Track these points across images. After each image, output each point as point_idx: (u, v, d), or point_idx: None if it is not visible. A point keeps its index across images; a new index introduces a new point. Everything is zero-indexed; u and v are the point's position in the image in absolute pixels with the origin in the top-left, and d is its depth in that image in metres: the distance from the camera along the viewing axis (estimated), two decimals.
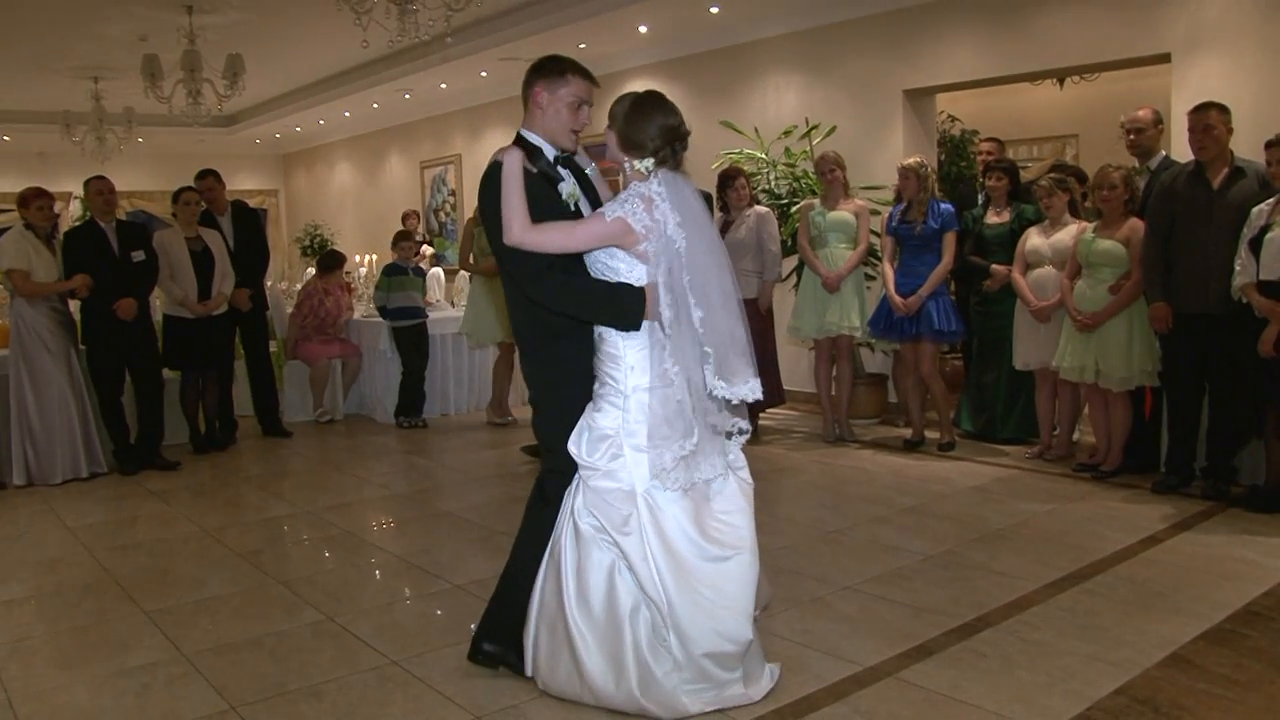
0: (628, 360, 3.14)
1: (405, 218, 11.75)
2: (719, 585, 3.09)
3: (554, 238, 3.09)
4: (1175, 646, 3.56)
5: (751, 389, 3.07)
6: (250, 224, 8.01)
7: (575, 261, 3.19)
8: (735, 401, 3.09)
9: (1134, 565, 4.45)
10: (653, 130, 3.08)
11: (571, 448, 3.19)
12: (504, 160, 3.14)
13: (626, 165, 3.17)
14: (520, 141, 3.29)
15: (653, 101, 3.14)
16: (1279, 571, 4.29)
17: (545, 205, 3.15)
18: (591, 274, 3.19)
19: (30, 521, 5.82)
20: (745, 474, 3.30)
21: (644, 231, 3.03)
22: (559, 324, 3.23)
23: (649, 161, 3.09)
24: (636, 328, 3.12)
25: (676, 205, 3.05)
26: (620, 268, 3.13)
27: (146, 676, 3.61)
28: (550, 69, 3.27)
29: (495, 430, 8.15)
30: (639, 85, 9.74)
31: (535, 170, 3.21)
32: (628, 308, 3.11)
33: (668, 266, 3.04)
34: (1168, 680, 3.31)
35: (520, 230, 3.06)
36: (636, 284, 3.11)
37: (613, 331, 3.15)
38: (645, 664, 3.08)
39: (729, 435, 3.23)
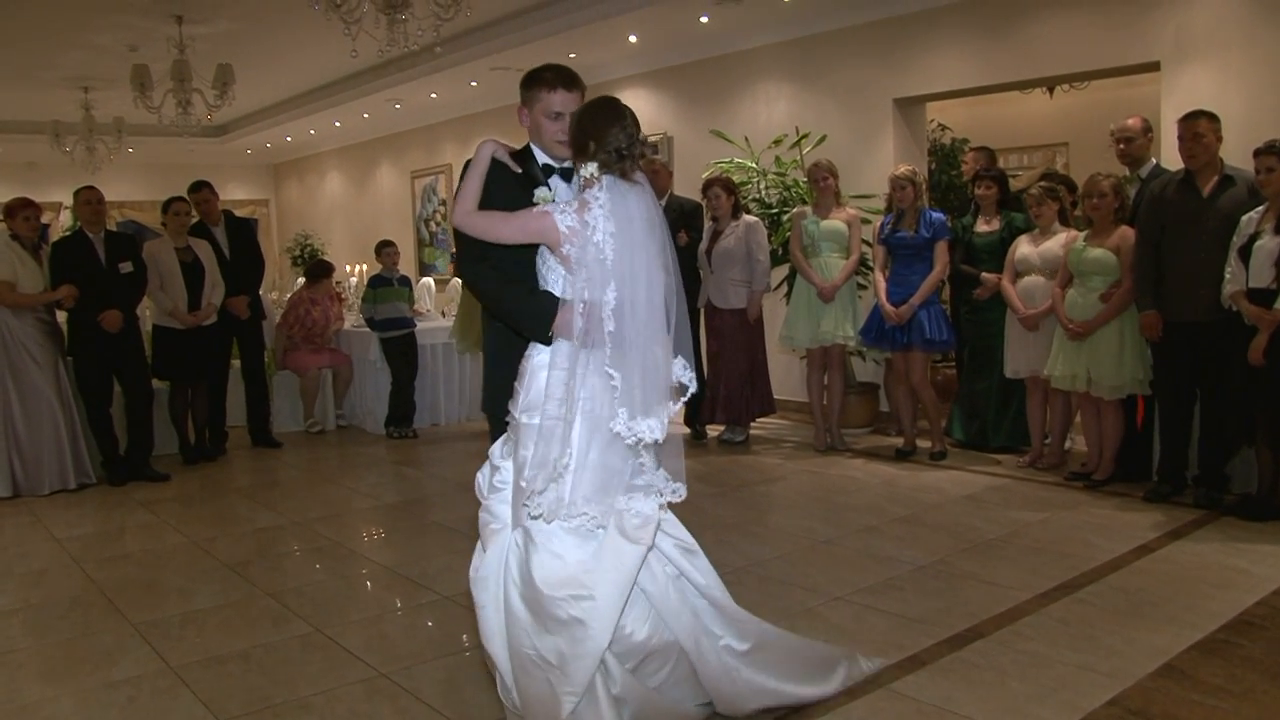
0: (537, 380, 2.95)
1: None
2: (560, 652, 2.78)
3: (486, 224, 3.01)
4: (1168, 656, 3.55)
5: (649, 428, 2.80)
6: (244, 234, 8.03)
7: (515, 266, 3.09)
8: (632, 441, 2.82)
9: (1126, 574, 4.44)
10: (597, 136, 2.95)
11: (478, 475, 3.15)
12: (478, 146, 3.14)
13: (581, 170, 3.04)
14: (524, 149, 3.28)
15: (601, 107, 3.01)
16: (1272, 580, 4.28)
17: (513, 203, 3.09)
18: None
19: (17, 533, 5.77)
20: (641, 534, 2.84)
21: (567, 232, 2.89)
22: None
23: (593, 167, 2.96)
24: (540, 338, 2.98)
25: (615, 214, 2.88)
26: (549, 276, 3.02)
27: (133, 689, 3.58)
28: (525, 84, 3.23)
29: (487, 440, 8.10)
30: (630, 95, 9.90)
31: (519, 170, 3.18)
32: (535, 313, 2.98)
33: (588, 276, 2.85)
34: (1161, 691, 3.29)
35: (461, 212, 3.04)
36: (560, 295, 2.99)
37: (536, 348, 3.02)
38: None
39: (650, 492, 2.92)
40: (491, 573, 2.95)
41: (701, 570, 3.02)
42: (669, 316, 2.91)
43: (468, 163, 3.16)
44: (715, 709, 3.05)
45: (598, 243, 2.85)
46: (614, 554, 2.79)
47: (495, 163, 3.11)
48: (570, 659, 2.75)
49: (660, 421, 2.82)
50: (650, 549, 2.84)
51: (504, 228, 2.99)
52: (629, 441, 2.82)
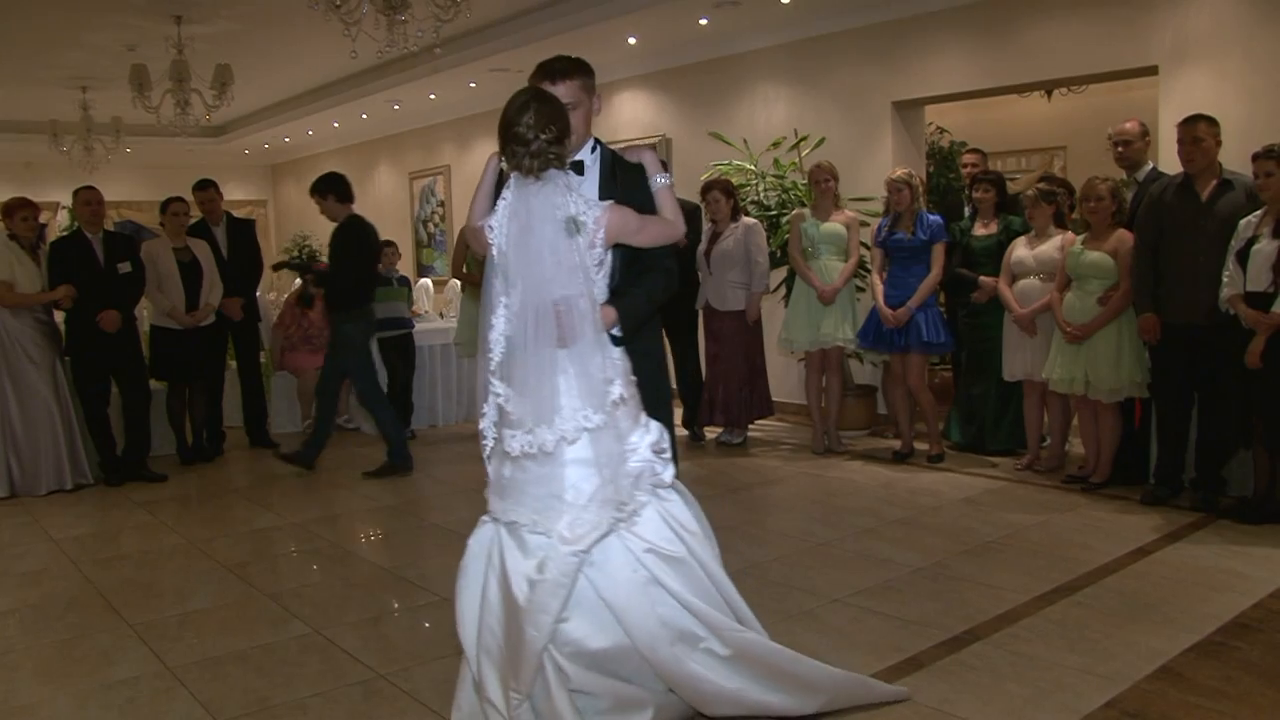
0: None
1: None
2: (512, 646, 2.81)
3: (473, 240, 3.02)
4: (1165, 659, 3.55)
5: (519, 442, 2.79)
6: (244, 235, 8.04)
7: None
8: (515, 453, 2.81)
9: (1123, 577, 4.45)
10: (503, 131, 2.85)
11: None
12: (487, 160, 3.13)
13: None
14: None
15: (511, 100, 2.88)
16: (1268, 583, 4.29)
17: None
18: None
19: (14, 533, 5.77)
20: (581, 539, 2.78)
21: (490, 238, 2.89)
22: None
23: (503, 163, 2.90)
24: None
25: (515, 216, 2.83)
26: None
27: (131, 690, 3.58)
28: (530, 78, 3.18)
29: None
30: (629, 97, 9.89)
31: None
32: None
33: (497, 278, 2.85)
34: (1158, 693, 3.30)
35: (467, 224, 3.07)
36: None
37: None
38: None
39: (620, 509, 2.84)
40: (470, 560, 2.96)
41: (686, 577, 2.90)
42: (572, 327, 2.79)
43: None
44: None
45: (499, 245, 2.84)
46: (556, 556, 2.78)
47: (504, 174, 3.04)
48: (516, 657, 2.78)
49: (528, 438, 2.78)
50: (585, 553, 2.79)
51: (475, 243, 3.00)
52: (529, 451, 2.78)
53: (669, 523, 2.93)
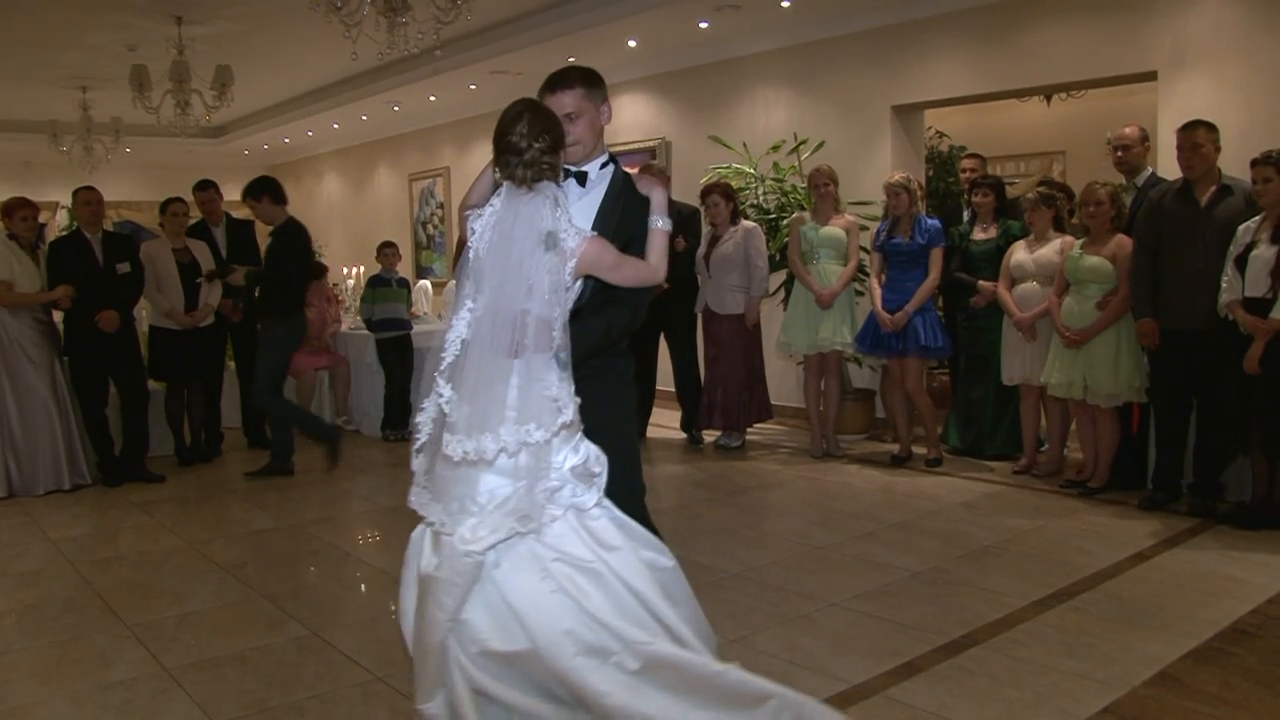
0: None
1: None
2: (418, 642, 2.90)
3: (464, 225, 3.02)
4: (1163, 664, 3.55)
5: (462, 446, 2.73)
6: (244, 236, 8.04)
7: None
8: (456, 458, 2.75)
9: (1121, 582, 4.45)
10: (497, 138, 2.83)
11: None
12: None
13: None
14: None
15: (509, 108, 2.87)
16: (1266, 589, 4.30)
17: None
18: None
19: (12, 533, 5.76)
20: (473, 544, 2.72)
21: (471, 240, 2.87)
22: None
23: (497, 171, 2.89)
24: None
25: (500, 224, 2.80)
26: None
27: (128, 691, 3.57)
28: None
29: None
30: (629, 100, 9.90)
31: None
32: None
33: (468, 280, 2.83)
34: (1155, 699, 3.30)
35: (463, 201, 3.09)
36: None
37: None
38: None
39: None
40: (411, 553, 3.01)
41: (600, 590, 2.77)
42: (524, 342, 2.75)
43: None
44: None
45: (477, 250, 2.82)
46: (452, 555, 2.76)
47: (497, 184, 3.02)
48: (421, 650, 2.84)
49: (474, 444, 2.72)
50: (480, 554, 2.74)
51: (463, 226, 3.01)
52: (470, 458, 2.74)
53: (585, 537, 2.82)
